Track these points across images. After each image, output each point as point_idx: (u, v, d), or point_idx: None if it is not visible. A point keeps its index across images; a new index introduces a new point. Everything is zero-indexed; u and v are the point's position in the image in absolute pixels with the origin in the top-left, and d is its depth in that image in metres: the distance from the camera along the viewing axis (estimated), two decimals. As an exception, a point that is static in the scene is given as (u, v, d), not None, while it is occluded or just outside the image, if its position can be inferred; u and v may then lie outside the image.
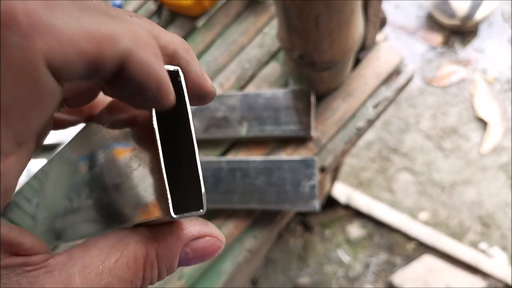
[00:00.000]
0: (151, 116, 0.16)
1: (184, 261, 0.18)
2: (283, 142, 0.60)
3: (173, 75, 0.16)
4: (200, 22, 0.69)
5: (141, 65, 0.13)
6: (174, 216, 0.16)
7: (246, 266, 0.59)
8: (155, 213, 0.16)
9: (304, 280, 1.36)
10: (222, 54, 0.67)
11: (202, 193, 0.17)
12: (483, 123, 1.47)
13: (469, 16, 1.51)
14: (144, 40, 0.14)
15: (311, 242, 1.41)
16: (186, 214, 0.16)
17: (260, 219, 0.58)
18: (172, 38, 0.16)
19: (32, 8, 0.11)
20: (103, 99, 0.20)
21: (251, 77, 0.65)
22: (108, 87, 0.15)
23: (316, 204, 0.55)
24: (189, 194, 0.17)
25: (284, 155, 0.60)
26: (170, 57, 0.16)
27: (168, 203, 0.16)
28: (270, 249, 1.37)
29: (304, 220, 1.43)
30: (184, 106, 0.17)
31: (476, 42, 1.60)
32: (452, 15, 1.53)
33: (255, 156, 0.60)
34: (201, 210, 0.17)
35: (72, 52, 0.12)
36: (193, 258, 0.18)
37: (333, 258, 1.39)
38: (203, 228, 0.18)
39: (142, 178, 0.17)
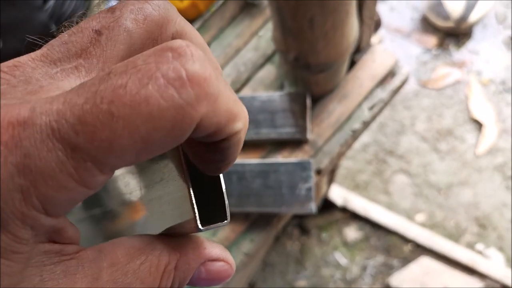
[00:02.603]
0: None
1: (195, 280, 0.18)
2: (279, 144, 0.60)
3: None
4: (195, 25, 0.69)
5: (236, 145, 0.16)
6: (201, 228, 0.16)
7: (243, 269, 0.58)
8: (180, 224, 0.17)
9: (301, 283, 1.36)
10: (218, 57, 0.67)
11: (226, 204, 0.17)
12: (478, 125, 1.48)
13: (463, 18, 1.52)
14: (247, 123, 0.16)
15: (308, 245, 1.41)
16: (212, 226, 0.17)
17: (256, 222, 0.58)
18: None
19: (209, 76, 0.13)
20: None
21: (247, 80, 0.65)
22: (192, 142, 0.16)
23: (313, 207, 0.55)
24: (211, 204, 0.17)
25: (280, 158, 0.60)
26: None
27: (195, 216, 0.16)
28: (267, 253, 1.36)
29: (301, 223, 1.43)
30: None
31: (470, 44, 1.61)
32: (446, 17, 1.54)
33: (251, 159, 0.59)
34: (225, 221, 0.17)
35: (214, 120, 0.14)
36: (204, 279, 0.18)
37: (330, 261, 1.38)
38: (222, 252, 0.19)
39: (165, 191, 0.17)
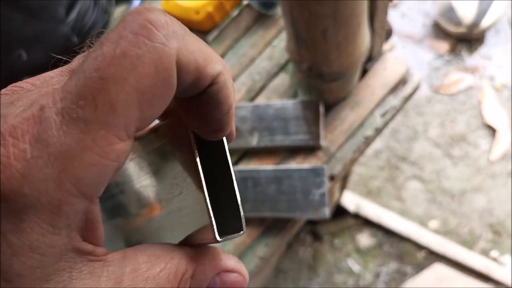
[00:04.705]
0: (193, 148, 0.17)
1: None
2: (293, 151, 0.62)
3: None
4: (211, 36, 0.72)
5: (224, 87, 0.16)
6: (219, 239, 0.17)
7: (258, 273, 0.60)
8: (199, 236, 0.18)
9: (314, 289, 1.36)
10: (233, 66, 0.69)
11: (241, 215, 0.18)
12: (492, 130, 1.47)
13: (475, 23, 1.52)
14: (229, 71, 0.17)
15: (321, 252, 1.41)
16: (228, 237, 0.18)
17: (271, 227, 0.59)
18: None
19: (170, 20, 0.15)
20: None
21: (261, 89, 0.67)
22: (186, 104, 0.17)
23: (326, 212, 0.56)
24: (227, 216, 0.19)
25: (294, 164, 0.61)
26: None
27: (213, 228, 0.17)
28: (280, 259, 1.37)
29: (313, 229, 1.43)
30: (221, 140, 0.19)
31: (483, 49, 1.60)
32: (458, 23, 1.54)
33: (266, 166, 0.61)
34: (241, 232, 0.18)
35: (191, 58, 0.15)
36: None
37: (343, 267, 1.38)
38: (236, 264, 0.19)
39: (184, 204, 0.18)
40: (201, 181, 0.17)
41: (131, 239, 0.22)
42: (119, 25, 0.15)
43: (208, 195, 0.17)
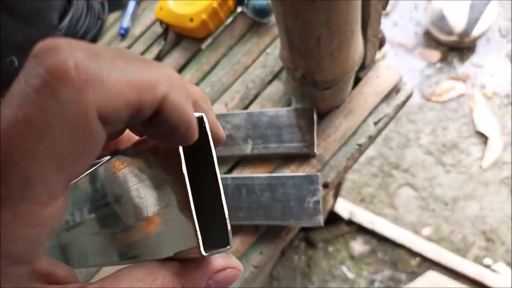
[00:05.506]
0: (180, 162, 0.17)
1: None
2: (287, 159, 0.62)
3: (198, 121, 0.18)
4: (205, 44, 0.72)
5: (175, 109, 0.15)
6: (204, 254, 0.17)
7: (252, 282, 0.59)
8: (185, 250, 0.17)
9: (308, 297, 1.35)
10: (227, 74, 0.69)
11: (228, 230, 0.18)
12: (483, 138, 1.48)
13: (466, 32, 1.54)
14: (178, 84, 0.15)
15: (315, 259, 1.41)
16: (214, 252, 0.17)
17: (265, 235, 0.59)
18: (194, 89, 0.17)
19: (80, 61, 0.12)
20: (128, 134, 0.22)
21: (255, 96, 0.67)
22: (141, 127, 0.16)
23: (321, 219, 0.56)
24: (214, 230, 0.18)
25: (288, 172, 0.61)
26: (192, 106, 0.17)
27: (198, 242, 0.17)
28: (274, 266, 1.36)
29: (307, 237, 1.43)
30: (208, 147, 0.18)
31: (474, 58, 1.62)
32: (449, 31, 1.56)
33: (260, 173, 0.61)
34: (228, 246, 0.18)
35: (118, 102, 0.13)
36: None
37: (337, 274, 1.38)
38: (225, 261, 0.19)
39: (171, 216, 0.18)
40: (187, 195, 0.17)
41: (122, 250, 0.22)
42: (21, 73, 0.12)
43: (195, 208, 0.17)
